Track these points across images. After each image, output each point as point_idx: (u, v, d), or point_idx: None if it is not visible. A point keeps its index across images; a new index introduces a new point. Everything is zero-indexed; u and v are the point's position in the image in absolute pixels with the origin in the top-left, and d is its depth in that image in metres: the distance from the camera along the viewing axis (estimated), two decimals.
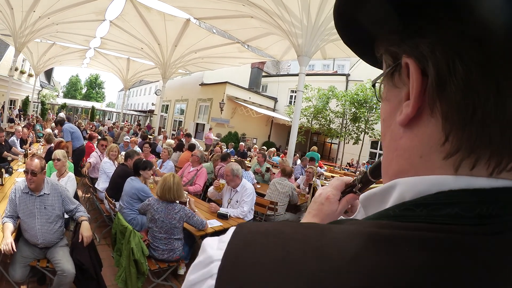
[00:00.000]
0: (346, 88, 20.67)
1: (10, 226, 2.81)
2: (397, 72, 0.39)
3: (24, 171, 3.03)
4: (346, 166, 19.20)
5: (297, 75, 7.90)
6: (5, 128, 10.04)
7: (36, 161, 2.95)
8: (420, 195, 0.34)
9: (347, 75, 22.67)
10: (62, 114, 22.17)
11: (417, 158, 0.36)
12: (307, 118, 19.34)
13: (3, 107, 18.40)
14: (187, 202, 4.08)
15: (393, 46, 0.39)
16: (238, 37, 11.25)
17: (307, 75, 21.69)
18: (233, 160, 6.30)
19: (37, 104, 27.97)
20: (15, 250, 2.58)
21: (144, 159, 4.62)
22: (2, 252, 2.54)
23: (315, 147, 12.43)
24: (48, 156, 5.03)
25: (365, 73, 19.69)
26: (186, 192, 4.23)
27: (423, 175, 0.35)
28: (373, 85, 0.48)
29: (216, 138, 14.92)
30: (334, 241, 0.33)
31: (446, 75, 0.32)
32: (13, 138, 8.18)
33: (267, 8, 7.65)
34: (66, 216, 3.26)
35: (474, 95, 0.31)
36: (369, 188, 0.49)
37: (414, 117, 0.36)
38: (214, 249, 0.38)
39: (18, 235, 3.02)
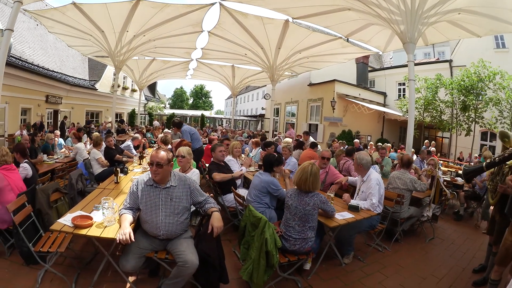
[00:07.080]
0: (451, 75, 18.83)
1: (129, 217, 2.83)
2: None
3: (149, 163, 3.03)
4: (456, 160, 17.10)
5: (403, 66, 7.39)
6: (114, 137, 11.09)
7: (162, 153, 2.92)
8: None
9: (450, 61, 20.41)
10: (156, 123, 24.30)
11: None
12: (418, 111, 17.97)
13: (122, 120, 20.87)
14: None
15: None
16: (339, 32, 10.92)
17: None
18: None
19: (144, 115, 30.88)
20: (133, 240, 2.59)
21: (276, 155, 4.72)
22: (118, 241, 2.56)
23: None
24: None
25: (467, 57, 17.99)
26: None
27: None
28: None
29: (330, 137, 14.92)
30: None
31: None
32: (129, 142, 8.98)
33: None
34: (192, 208, 3.23)
35: None
36: None
37: None
38: None
39: (136, 226, 3.03)
